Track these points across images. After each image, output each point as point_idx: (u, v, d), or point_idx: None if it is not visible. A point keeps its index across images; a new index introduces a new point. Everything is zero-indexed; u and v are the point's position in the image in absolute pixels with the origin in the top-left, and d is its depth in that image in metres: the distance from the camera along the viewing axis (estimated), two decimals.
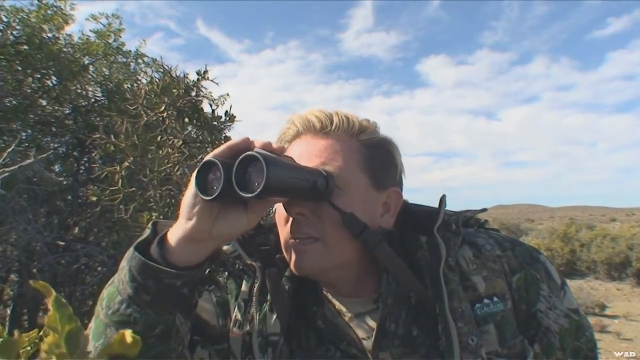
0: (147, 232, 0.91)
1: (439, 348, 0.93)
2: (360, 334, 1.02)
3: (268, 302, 1.02)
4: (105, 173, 1.48)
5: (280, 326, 0.99)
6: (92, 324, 0.88)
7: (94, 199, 1.46)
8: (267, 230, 1.14)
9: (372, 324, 1.01)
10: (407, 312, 0.99)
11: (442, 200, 1.07)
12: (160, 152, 1.46)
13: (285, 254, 1.04)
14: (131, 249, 0.86)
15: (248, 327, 1.02)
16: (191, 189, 0.85)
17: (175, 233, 0.87)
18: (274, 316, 1.00)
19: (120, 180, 1.39)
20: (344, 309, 1.06)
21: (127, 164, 1.42)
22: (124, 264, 0.86)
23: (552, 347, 1.03)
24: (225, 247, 1.13)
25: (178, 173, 1.45)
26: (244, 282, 1.10)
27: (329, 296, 1.08)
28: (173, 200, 1.44)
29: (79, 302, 2.58)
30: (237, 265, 1.11)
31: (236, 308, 1.07)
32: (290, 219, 0.99)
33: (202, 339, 1.03)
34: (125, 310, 0.83)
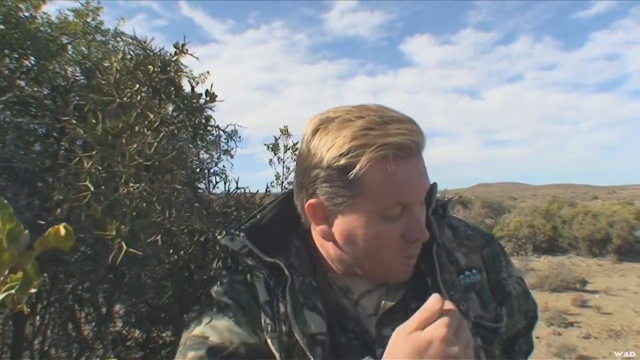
0: None
1: None
2: (367, 310, 1.06)
3: (302, 301, 1.01)
4: (70, 169, 1.42)
5: (327, 325, 1.00)
6: None
7: (60, 197, 1.40)
8: (281, 221, 1.14)
9: (377, 300, 1.06)
10: (407, 286, 1.07)
11: (434, 187, 1.13)
12: (134, 138, 1.41)
13: (377, 266, 1.03)
14: None
15: (284, 327, 1.00)
16: None
17: None
18: (315, 314, 1.00)
19: (87, 179, 1.33)
20: (351, 288, 1.08)
21: (92, 161, 1.35)
22: None
23: (513, 309, 1.20)
24: (229, 244, 1.10)
25: (151, 173, 1.39)
26: (257, 287, 1.07)
27: (333, 277, 1.10)
28: (144, 204, 1.39)
29: (62, 283, 2.57)
30: (244, 265, 1.10)
31: (262, 314, 1.04)
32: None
33: None
34: None
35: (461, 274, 1.11)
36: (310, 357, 0.95)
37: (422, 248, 1.05)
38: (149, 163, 1.38)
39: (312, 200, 1.00)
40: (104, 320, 1.76)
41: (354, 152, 0.91)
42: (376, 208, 0.95)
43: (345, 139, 0.92)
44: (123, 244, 1.26)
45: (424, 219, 1.00)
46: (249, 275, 1.09)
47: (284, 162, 2.40)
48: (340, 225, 1.00)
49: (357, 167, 0.91)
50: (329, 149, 0.94)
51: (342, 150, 0.92)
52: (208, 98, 1.64)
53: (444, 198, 1.22)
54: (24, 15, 2.22)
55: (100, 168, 1.36)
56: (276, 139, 2.10)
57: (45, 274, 3.03)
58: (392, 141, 0.91)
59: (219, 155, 2.12)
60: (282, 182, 2.40)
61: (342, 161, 0.92)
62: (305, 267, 1.08)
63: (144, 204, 1.37)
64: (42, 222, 1.60)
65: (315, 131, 0.99)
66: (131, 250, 1.25)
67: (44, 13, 2.40)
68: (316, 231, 1.06)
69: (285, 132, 2.47)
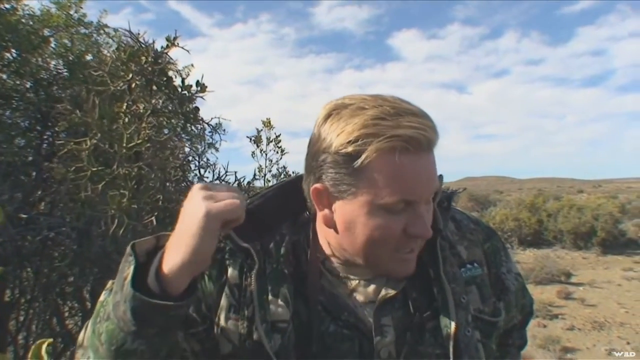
0: (131, 259, 0.85)
1: (434, 308, 1.03)
2: (363, 299, 1.06)
3: (269, 288, 1.02)
4: (70, 149, 1.43)
5: (291, 313, 1.00)
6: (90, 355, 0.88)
7: (59, 177, 1.41)
8: (271, 209, 1.13)
9: (377, 288, 1.06)
10: (408, 277, 1.06)
11: (440, 179, 1.11)
12: (128, 125, 1.43)
13: (374, 258, 1.02)
14: (128, 287, 0.82)
15: (247, 312, 1.01)
16: (199, 210, 0.82)
17: (176, 258, 0.83)
18: (279, 302, 1.01)
19: (87, 158, 1.34)
20: (350, 277, 1.08)
21: (95, 140, 1.37)
22: (118, 300, 0.83)
23: (510, 304, 1.20)
24: None
25: (149, 152, 1.41)
26: (229, 267, 1.07)
27: (331, 266, 1.09)
28: (144, 181, 1.41)
29: (46, 279, 2.55)
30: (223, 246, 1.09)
31: (224, 294, 1.04)
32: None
33: None
34: (131, 345, 0.83)
35: (462, 267, 1.11)
36: (266, 343, 0.96)
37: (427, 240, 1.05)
38: (147, 145, 1.39)
39: (317, 185, 1.00)
40: (89, 313, 1.76)
41: (362, 140, 0.90)
42: (379, 200, 0.94)
43: (355, 126, 0.91)
44: (125, 217, 1.27)
45: (430, 217, 1.00)
46: (227, 255, 1.08)
47: (266, 155, 2.40)
48: (342, 212, 0.99)
49: (364, 155, 0.90)
50: (338, 134, 0.93)
51: (351, 137, 0.91)
52: (199, 88, 1.65)
53: (448, 190, 1.22)
54: (4, 7, 2.19)
55: (101, 145, 1.37)
56: (258, 131, 2.10)
57: (29, 269, 3.01)
58: (402, 133, 0.89)
59: (204, 149, 2.12)
60: (265, 175, 2.40)
61: (350, 148, 0.91)
62: (284, 255, 1.07)
63: (142, 183, 1.39)
64: (24, 216, 1.60)
65: (327, 116, 0.98)
66: (132, 223, 1.27)
67: (26, 5, 2.37)
68: (319, 217, 1.05)
69: (267, 124, 2.46)
